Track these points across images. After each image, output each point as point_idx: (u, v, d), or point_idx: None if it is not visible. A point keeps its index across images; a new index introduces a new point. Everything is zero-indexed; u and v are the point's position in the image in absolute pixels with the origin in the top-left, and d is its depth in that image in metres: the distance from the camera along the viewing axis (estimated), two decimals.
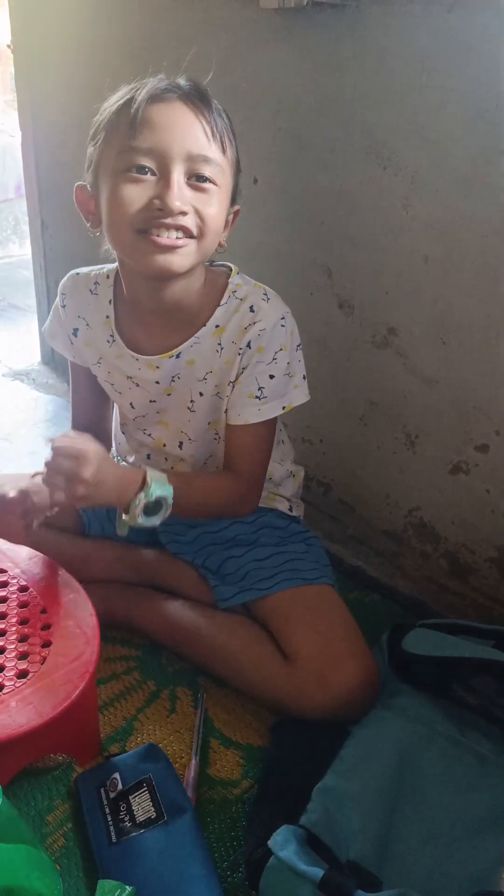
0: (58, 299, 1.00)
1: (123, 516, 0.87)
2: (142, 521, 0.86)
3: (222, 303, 0.91)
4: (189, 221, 0.80)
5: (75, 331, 0.99)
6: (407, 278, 1.04)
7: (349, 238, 1.09)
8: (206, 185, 0.80)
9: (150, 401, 0.98)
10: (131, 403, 0.99)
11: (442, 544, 1.15)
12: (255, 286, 0.93)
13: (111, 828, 0.78)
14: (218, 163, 0.81)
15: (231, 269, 0.94)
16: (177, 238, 0.80)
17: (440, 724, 0.87)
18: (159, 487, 0.86)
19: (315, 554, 1.02)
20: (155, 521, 0.88)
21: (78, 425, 1.10)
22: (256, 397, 0.92)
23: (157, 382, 0.95)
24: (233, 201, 0.87)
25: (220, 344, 0.91)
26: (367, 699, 0.87)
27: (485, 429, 1.03)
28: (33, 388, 1.77)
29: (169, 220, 0.79)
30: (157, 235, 0.80)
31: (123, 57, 1.32)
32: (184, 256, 0.82)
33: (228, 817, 0.83)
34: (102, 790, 0.82)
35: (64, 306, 1.00)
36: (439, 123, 0.93)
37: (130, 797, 0.80)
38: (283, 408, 0.94)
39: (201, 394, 0.95)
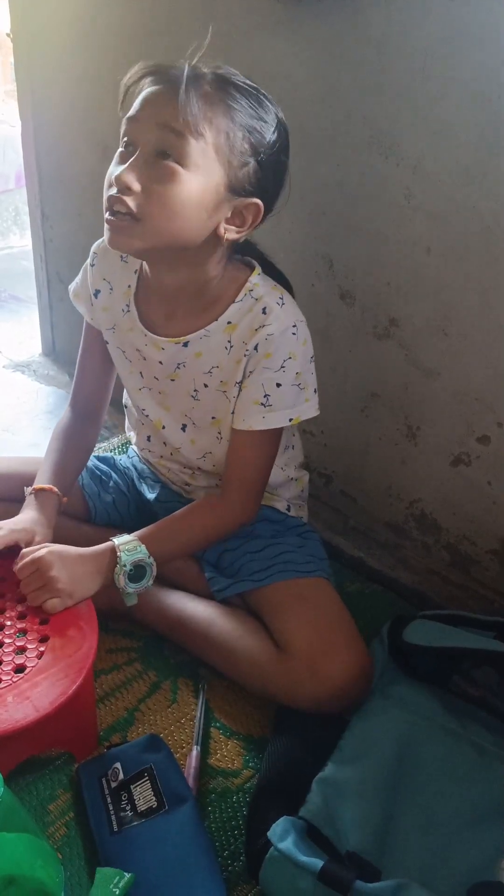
0: (88, 259, 1.00)
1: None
2: (131, 589, 0.89)
3: (237, 300, 0.90)
4: (130, 199, 0.77)
5: (97, 293, 0.99)
6: (409, 269, 1.03)
7: (351, 228, 1.08)
8: (170, 163, 0.77)
9: (155, 377, 0.98)
10: (141, 373, 0.99)
11: (443, 536, 1.15)
12: (273, 288, 0.90)
13: (112, 817, 0.78)
14: (186, 139, 0.76)
15: (255, 267, 0.92)
16: (113, 216, 0.78)
17: (440, 715, 0.87)
18: (129, 555, 0.88)
19: (311, 547, 1.02)
20: (146, 583, 0.90)
21: (78, 396, 1.09)
22: (262, 404, 0.90)
23: (161, 363, 0.95)
24: (239, 192, 0.81)
25: (230, 341, 0.90)
26: (359, 691, 0.87)
27: (486, 420, 1.03)
28: (34, 380, 1.77)
29: (113, 196, 0.78)
30: (110, 212, 0.79)
31: (124, 46, 1.31)
32: (128, 237, 0.79)
33: (229, 807, 0.83)
34: (104, 780, 0.82)
35: (92, 265, 0.99)
36: (442, 113, 0.92)
37: (132, 787, 0.80)
38: (290, 420, 0.92)
39: (206, 385, 0.94)
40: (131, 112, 0.79)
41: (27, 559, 0.86)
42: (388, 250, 1.05)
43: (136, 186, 0.77)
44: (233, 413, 0.94)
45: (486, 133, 0.89)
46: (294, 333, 0.89)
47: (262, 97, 0.82)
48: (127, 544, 0.89)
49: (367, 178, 1.03)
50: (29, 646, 0.81)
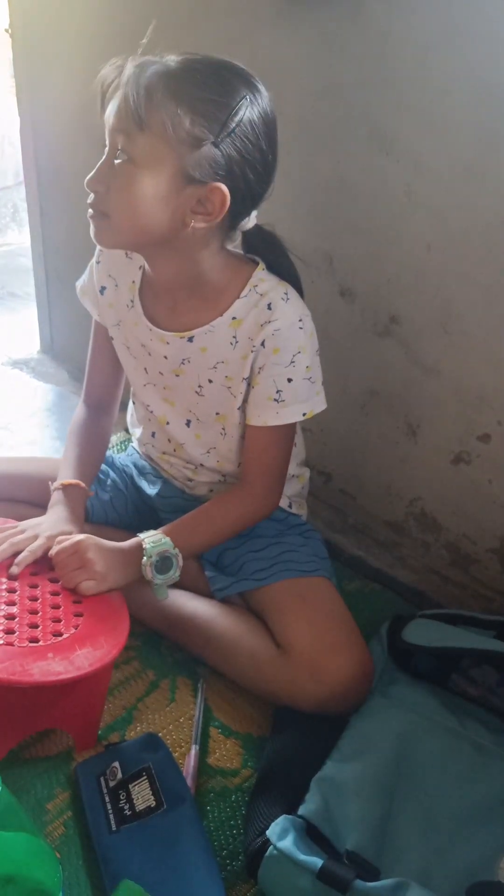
0: (94, 256, 1.01)
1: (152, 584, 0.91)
2: (159, 581, 0.90)
3: (242, 295, 0.90)
4: (99, 200, 0.81)
5: (102, 289, 1.00)
6: (409, 266, 1.03)
7: (350, 225, 1.08)
8: (123, 164, 0.79)
9: (160, 372, 0.98)
10: (145, 369, 1.00)
11: (443, 534, 1.14)
12: (278, 283, 0.90)
13: (111, 816, 0.78)
14: (134, 138, 0.77)
15: (258, 263, 0.92)
16: (91, 213, 0.83)
17: (439, 714, 0.87)
18: (154, 546, 0.89)
19: (313, 547, 1.02)
20: (174, 574, 0.90)
21: (90, 392, 1.10)
22: (275, 400, 0.91)
23: (166, 357, 0.95)
24: (195, 179, 0.78)
25: (235, 336, 0.91)
26: (359, 692, 0.87)
27: (487, 419, 1.02)
28: (33, 377, 1.76)
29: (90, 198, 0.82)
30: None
31: (123, 40, 1.30)
32: (102, 232, 0.84)
33: (228, 806, 0.83)
34: (102, 779, 0.82)
35: (98, 262, 1.00)
36: (443, 108, 0.92)
37: (130, 786, 0.80)
38: (304, 414, 0.92)
39: (210, 381, 0.94)
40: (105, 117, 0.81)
41: (65, 543, 0.87)
42: (389, 247, 1.04)
43: (101, 188, 0.81)
44: (239, 409, 0.94)
45: (488, 129, 0.89)
46: (301, 328, 0.89)
47: (225, 76, 0.78)
48: (152, 537, 0.90)
49: (368, 175, 1.03)
50: (63, 618, 0.82)
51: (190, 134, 0.76)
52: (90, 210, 0.83)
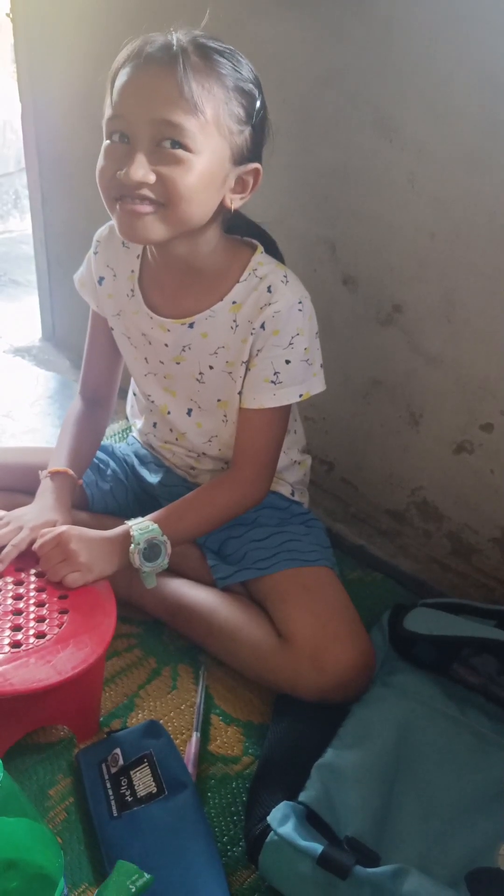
0: (91, 248, 1.01)
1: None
2: (147, 568, 0.89)
3: (241, 279, 0.90)
4: (151, 191, 0.78)
5: (101, 280, 1.00)
6: (412, 255, 1.03)
7: (354, 213, 1.07)
8: (176, 151, 0.76)
9: (160, 361, 0.98)
10: (146, 358, 0.99)
11: (445, 524, 1.14)
12: (276, 266, 0.91)
13: (112, 802, 0.78)
14: (187, 127, 0.75)
15: (256, 247, 0.92)
16: (139, 205, 0.78)
17: (440, 702, 0.87)
18: (142, 533, 0.88)
19: (315, 536, 1.02)
20: (162, 562, 0.89)
21: (86, 384, 1.10)
22: (272, 382, 0.91)
23: (167, 345, 0.95)
24: (241, 161, 0.82)
25: (235, 321, 0.90)
26: (361, 682, 0.87)
27: (490, 408, 1.02)
28: (34, 365, 1.76)
29: (130, 192, 0.78)
30: (125, 203, 0.79)
31: (125, 26, 1.28)
32: (151, 225, 0.79)
33: (229, 793, 0.83)
34: (104, 765, 0.82)
35: (96, 253, 1.00)
36: (447, 96, 0.91)
37: (131, 772, 0.80)
38: (300, 395, 0.92)
39: (211, 367, 0.94)
40: (121, 103, 0.77)
41: (48, 536, 0.86)
42: (392, 235, 1.04)
43: (152, 178, 0.77)
44: (240, 393, 0.94)
45: (492, 117, 0.88)
46: (300, 310, 0.89)
47: (238, 58, 0.81)
48: (140, 524, 0.90)
49: (371, 162, 1.02)
50: (48, 616, 0.81)
51: (238, 118, 0.79)
52: (135, 202, 0.78)
